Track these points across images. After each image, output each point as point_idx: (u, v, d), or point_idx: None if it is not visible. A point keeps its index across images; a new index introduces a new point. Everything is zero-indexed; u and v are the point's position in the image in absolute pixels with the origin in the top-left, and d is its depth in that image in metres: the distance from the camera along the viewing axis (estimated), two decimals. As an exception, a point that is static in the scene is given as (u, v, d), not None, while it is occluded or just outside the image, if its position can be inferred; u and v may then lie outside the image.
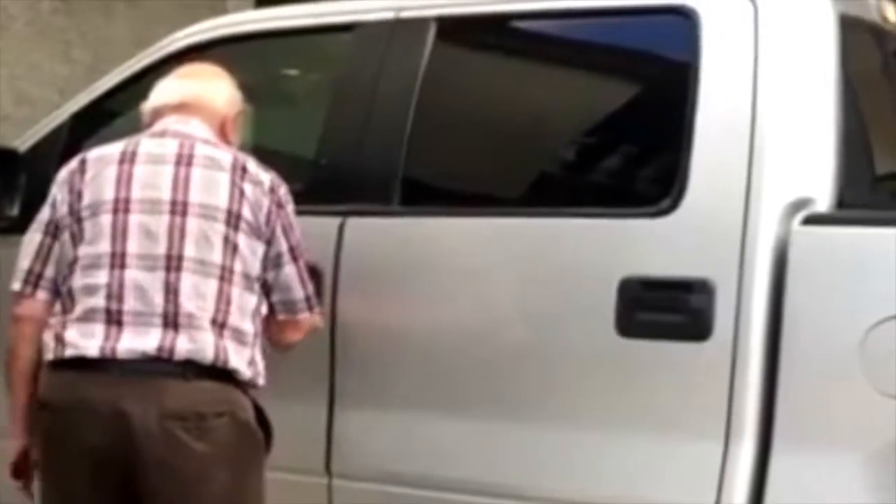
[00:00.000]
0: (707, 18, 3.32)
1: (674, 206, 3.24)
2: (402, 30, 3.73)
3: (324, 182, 3.74)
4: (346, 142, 3.71)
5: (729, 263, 3.16)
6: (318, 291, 3.41)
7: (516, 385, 3.38)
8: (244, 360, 3.09)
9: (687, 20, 3.34)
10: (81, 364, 3.03)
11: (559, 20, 3.66)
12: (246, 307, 3.11)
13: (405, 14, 3.75)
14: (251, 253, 3.14)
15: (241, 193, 3.12)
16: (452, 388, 3.49)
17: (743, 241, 3.16)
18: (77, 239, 3.11)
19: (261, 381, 3.15)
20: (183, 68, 3.46)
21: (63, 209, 3.14)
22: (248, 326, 3.11)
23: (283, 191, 3.23)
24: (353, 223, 3.62)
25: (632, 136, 3.59)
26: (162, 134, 3.20)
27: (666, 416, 3.22)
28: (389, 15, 3.77)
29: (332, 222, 3.63)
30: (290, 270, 3.22)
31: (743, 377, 3.13)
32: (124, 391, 2.98)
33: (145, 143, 3.17)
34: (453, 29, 3.72)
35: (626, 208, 3.37)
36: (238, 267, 3.10)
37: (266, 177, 3.20)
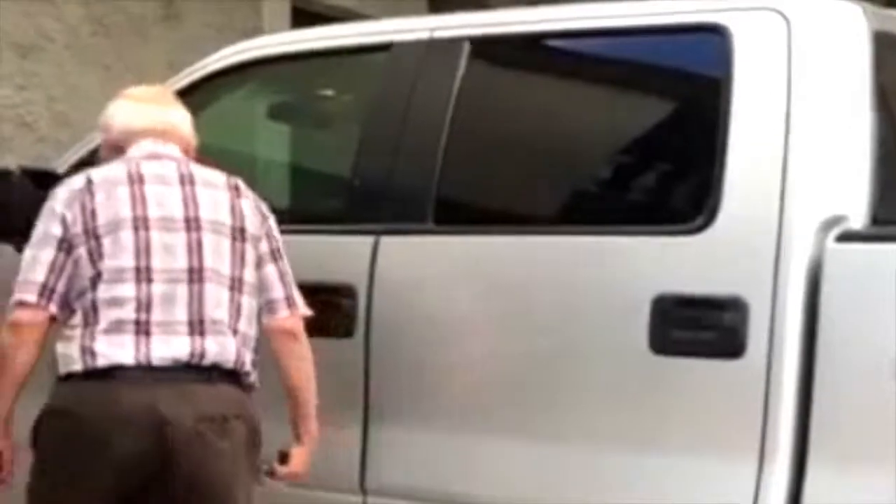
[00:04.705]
0: (740, 36, 3.32)
1: (707, 223, 3.24)
2: (436, 50, 3.75)
3: (358, 201, 3.76)
4: (381, 161, 3.74)
5: (762, 281, 3.15)
6: (352, 311, 3.55)
7: (549, 402, 3.38)
8: (251, 364, 3.24)
9: (720, 38, 3.34)
10: (115, 373, 3.11)
11: (591, 39, 3.67)
12: (252, 314, 3.27)
13: (439, 34, 3.77)
14: (253, 262, 3.28)
15: (241, 209, 3.28)
16: (487, 405, 3.50)
17: (776, 259, 3.15)
18: (96, 255, 3.18)
19: (257, 383, 3.27)
20: (137, 90, 3.47)
21: (76, 227, 3.20)
22: (253, 332, 3.26)
23: (265, 205, 3.37)
24: (388, 242, 3.64)
25: (665, 154, 3.59)
26: (157, 157, 3.31)
27: (699, 435, 3.21)
28: (424, 35, 3.80)
29: (367, 241, 3.65)
30: (270, 269, 3.32)
31: (777, 395, 3.12)
32: (160, 396, 3.09)
33: (146, 165, 3.28)
34: (487, 49, 3.74)
35: (659, 226, 3.36)
36: (247, 276, 3.25)
37: (251, 194, 3.35)
